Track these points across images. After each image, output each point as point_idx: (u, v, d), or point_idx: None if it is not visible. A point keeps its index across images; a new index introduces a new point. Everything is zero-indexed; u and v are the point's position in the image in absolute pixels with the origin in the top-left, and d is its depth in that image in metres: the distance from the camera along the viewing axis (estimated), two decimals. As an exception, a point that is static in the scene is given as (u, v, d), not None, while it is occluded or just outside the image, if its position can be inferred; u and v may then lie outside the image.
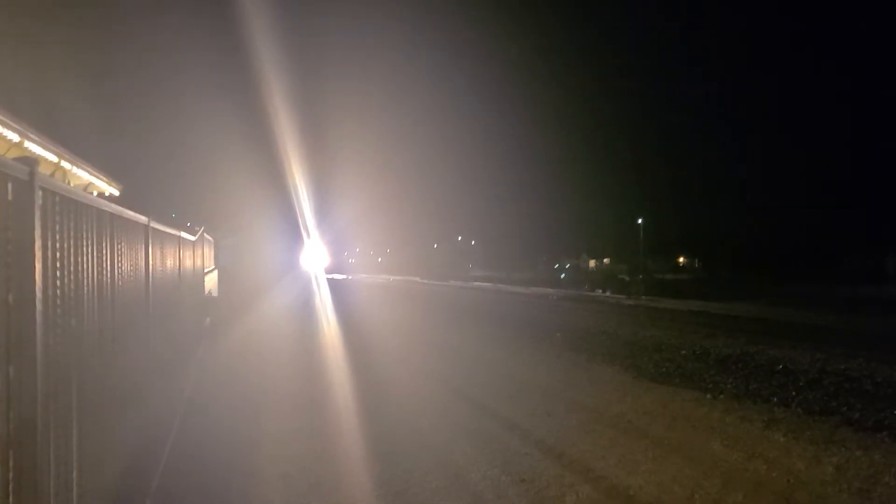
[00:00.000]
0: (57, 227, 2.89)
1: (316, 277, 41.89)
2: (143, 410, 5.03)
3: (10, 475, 2.27)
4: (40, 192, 2.63)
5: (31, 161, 2.52)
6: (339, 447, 7.17)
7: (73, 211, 3.17)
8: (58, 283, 2.88)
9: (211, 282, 17.72)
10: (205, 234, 13.89)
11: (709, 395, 9.70)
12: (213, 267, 20.03)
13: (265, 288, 28.79)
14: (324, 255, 56.14)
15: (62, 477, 2.89)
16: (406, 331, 18.83)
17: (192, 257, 9.99)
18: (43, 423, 2.55)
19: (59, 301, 2.89)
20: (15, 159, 2.40)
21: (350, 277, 70.36)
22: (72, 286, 3.11)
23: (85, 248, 3.40)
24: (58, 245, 2.90)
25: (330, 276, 58.41)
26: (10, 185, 2.38)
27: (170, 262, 7.15)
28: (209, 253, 17.24)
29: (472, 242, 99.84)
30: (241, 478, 6.08)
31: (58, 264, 2.89)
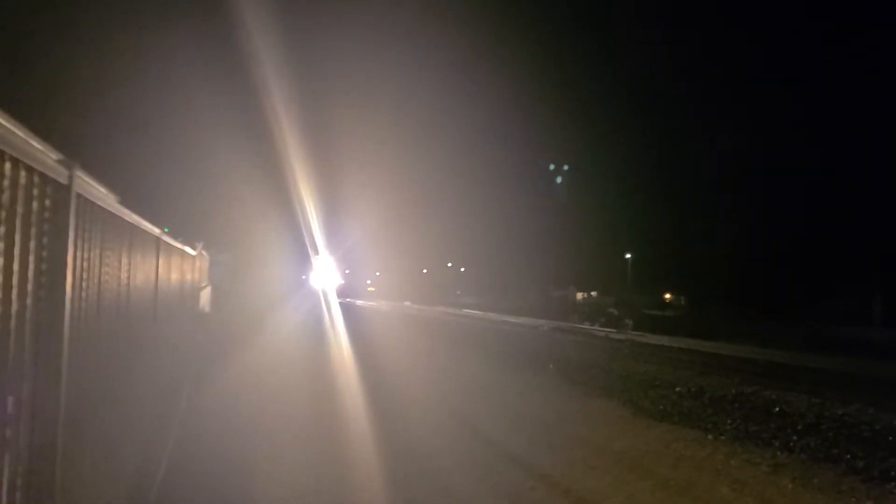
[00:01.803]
0: (86, 236, 2.74)
1: (325, 299, 38.71)
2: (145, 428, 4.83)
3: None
4: (74, 198, 2.48)
5: (71, 164, 2.37)
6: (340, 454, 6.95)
7: (100, 219, 3.02)
8: (83, 294, 2.72)
9: (204, 298, 17.45)
10: (202, 251, 13.69)
11: (710, 436, 9.56)
12: (206, 283, 19.75)
13: (264, 309, 27.14)
14: (335, 275, 51.33)
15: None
16: (403, 357, 18.60)
17: (192, 271, 9.79)
18: (63, 445, 2.37)
19: (83, 315, 2.72)
20: (57, 161, 2.25)
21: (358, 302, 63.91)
22: (95, 299, 2.95)
23: (107, 259, 3.24)
24: (85, 255, 2.74)
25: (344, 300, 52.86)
26: (48, 189, 2.24)
27: (174, 276, 6.97)
28: (204, 268, 17.01)
29: (462, 269, 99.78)
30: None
31: (84, 275, 2.73)
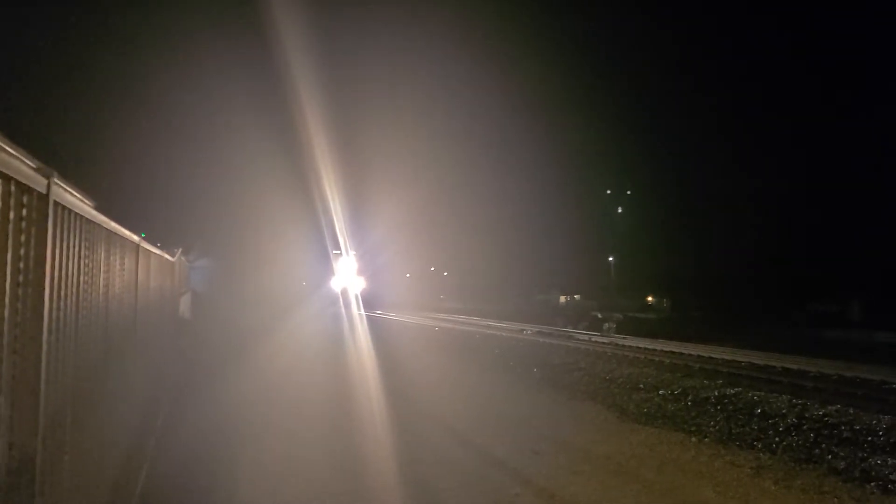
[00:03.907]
0: (65, 245, 2.68)
1: (343, 309, 33.56)
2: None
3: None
4: (52, 206, 2.43)
5: (49, 171, 2.33)
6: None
7: (78, 227, 2.97)
8: (61, 304, 2.67)
9: (184, 304, 17.27)
10: (182, 256, 13.55)
11: (693, 439, 9.62)
12: (186, 290, 19.55)
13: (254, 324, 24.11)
14: (353, 281, 42.94)
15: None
16: (387, 360, 18.53)
17: (172, 277, 9.68)
18: (42, 461, 2.32)
19: (61, 325, 2.67)
20: (34, 169, 2.21)
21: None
22: (72, 310, 2.90)
23: (86, 267, 3.18)
24: (64, 264, 2.69)
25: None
26: (25, 199, 2.19)
27: (154, 282, 6.88)
28: (183, 274, 16.84)
29: (445, 274, 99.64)
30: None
31: (63, 285, 2.68)
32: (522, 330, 35.42)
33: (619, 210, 66.38)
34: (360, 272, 44.95)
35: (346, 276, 43.41)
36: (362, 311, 36.56)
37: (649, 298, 70.13)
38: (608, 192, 66.96)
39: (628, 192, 66.60)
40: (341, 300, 38.83)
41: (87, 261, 3.22)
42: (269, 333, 22.87)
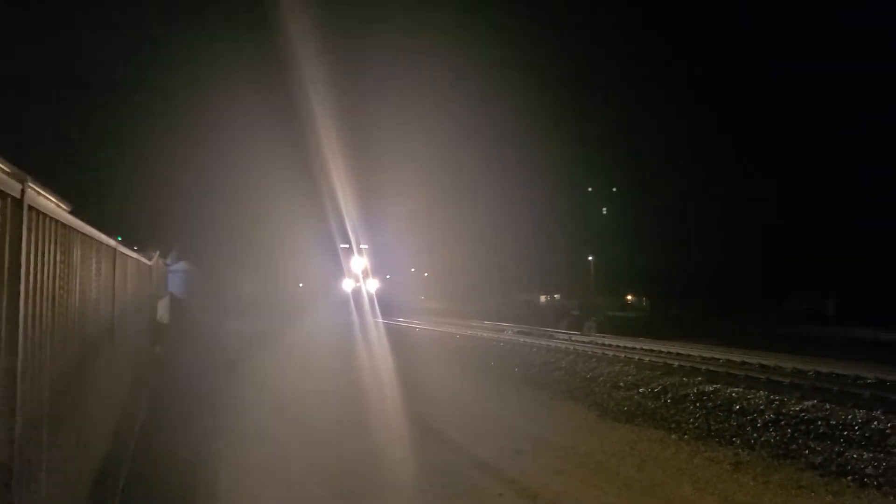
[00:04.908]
0: (40, 250, 2.65)
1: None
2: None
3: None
4: (27, 211, 2.40)
5: (23, 176, 2.29)
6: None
7: (54, 231, 2.93)
8: (37, 310, 2.63)
9: (161, 308, 17.09)
10: (160, 259, 13.42)
11: (673, 436, 9.72)
12: (164, 294, 19.34)
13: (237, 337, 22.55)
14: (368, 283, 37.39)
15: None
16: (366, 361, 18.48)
17: (149, 281, 9.58)
18: (17, 470, 2.28)
19: (37, 332, 2.63)
20: (8, 174, 2.17)
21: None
22: (48, 316, 2.85)
23: (62, 272, 3.14)
24: (39, 270, 2.65)
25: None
26: (-1, 203, 2.16)
27: (131, 286, 6.80)
28: (161, 278, 16.66)
29: (425, 274, 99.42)
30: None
31: (38, 290, 2.64)
32: (504, 330, 35.47)
33: (605, 211, 66.74)
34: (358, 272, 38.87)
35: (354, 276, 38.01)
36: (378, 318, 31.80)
37: (629, 297, 70.63)
38: (589, 189, 67.29)
39: (613, 189, 67.04)
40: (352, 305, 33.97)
41: (62, 266, 3.17)
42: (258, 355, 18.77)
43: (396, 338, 24.77)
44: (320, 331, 26.10)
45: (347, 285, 37.56)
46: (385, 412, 10.91)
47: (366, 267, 38.26)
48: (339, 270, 37.60)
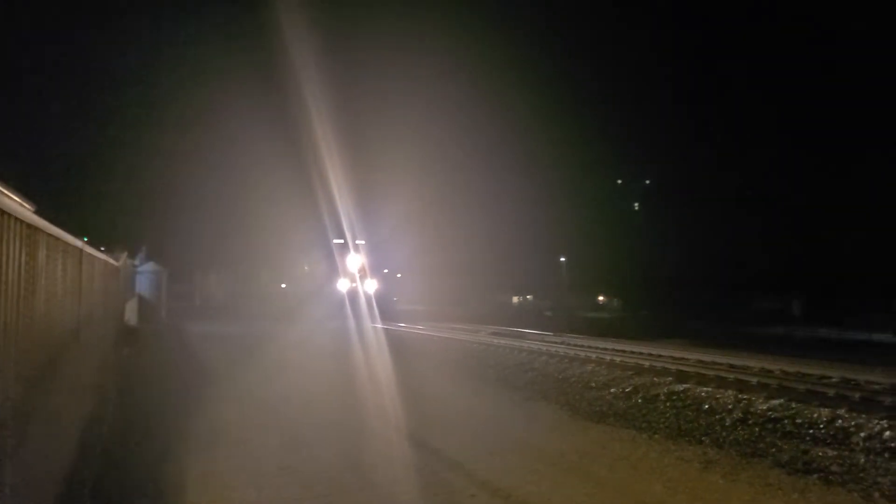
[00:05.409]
0: (4, 250, 2.58)
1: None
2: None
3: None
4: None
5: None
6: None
7: (18, 232, 2.86)
8: (1, 312, 2.56)
9: (130, 310, 16.80)
10: (127, 260, 13.19)
11: (644, 435, 9.82)
12: (132, 295, 18.99)
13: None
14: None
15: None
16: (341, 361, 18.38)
17: (117, 283, 9.43)
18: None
19: (1, 334, 2.56)
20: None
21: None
22: (13, 318, 2.79)
23: (27, 274, 3.07)
24: (4, 270, 2.59)
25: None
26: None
27: (98, 287, 6.67)
28: (129, 279, 16.39)
29: (398, 275, 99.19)
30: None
31: (2, 292, 2.57)
32: (478, 331, 35.58)
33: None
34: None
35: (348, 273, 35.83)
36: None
37: (601, 298, 71.34)
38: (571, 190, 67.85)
39: (615, 185, 67.86)
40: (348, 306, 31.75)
41: (27, 267, 3.10)
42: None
43: (392, 342, 24.61)
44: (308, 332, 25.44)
45: (342, 285, 36.02)
46: (361, 415, 10.88)
47: (362, 265, 36.39)
48: (332, 269, 36.20)
